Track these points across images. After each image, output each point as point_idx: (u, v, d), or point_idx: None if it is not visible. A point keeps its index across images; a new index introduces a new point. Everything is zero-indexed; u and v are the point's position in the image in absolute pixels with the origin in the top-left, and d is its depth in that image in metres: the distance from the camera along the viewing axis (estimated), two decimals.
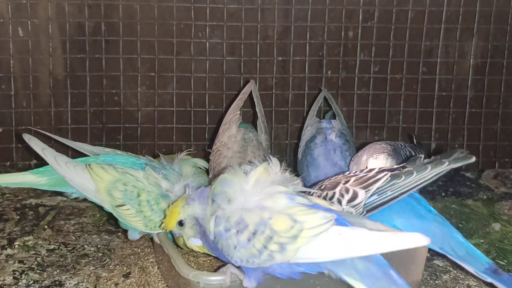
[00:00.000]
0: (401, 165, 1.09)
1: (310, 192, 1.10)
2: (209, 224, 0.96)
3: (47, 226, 1.51)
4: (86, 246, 1.42)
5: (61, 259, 1.36)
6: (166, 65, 1.84)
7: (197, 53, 1.84)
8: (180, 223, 1.03)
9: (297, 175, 1.60)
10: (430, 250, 1.16)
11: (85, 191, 1.21)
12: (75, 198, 1.32)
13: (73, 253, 1.39)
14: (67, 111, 1.84)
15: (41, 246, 1.41)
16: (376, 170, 1.09)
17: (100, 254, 1.38)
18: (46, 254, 1.37)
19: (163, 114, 1.87)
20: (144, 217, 1.18)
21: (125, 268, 1.31)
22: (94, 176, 1.19)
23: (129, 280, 1.26)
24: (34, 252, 1.38)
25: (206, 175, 1.29)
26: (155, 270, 1.30)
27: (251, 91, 1.65)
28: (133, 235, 1.25)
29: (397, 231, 0.89)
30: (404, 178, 1.03)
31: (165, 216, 1.06)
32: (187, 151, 1.33)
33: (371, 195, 1.05)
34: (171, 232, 1.07)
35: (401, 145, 1.37)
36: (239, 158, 1.51)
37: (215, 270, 1.05)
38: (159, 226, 1.18)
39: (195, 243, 1.03)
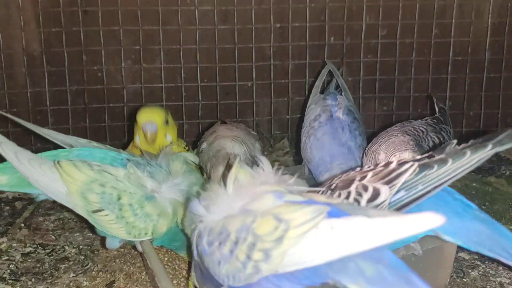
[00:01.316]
0: (428, 153, 0.86)
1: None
2: (193, 243, 0.76)
3: (24, 224, 1.30)
4: (66, 247, 1.21)
5: (38, 265, 1.15)
6: (152, 37, 1.58)
7: (186, 22, 1.58)
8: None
9: (300, 161, 1.39)
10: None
11: (54, 194, 0.97)
12: None
13: (52, 257, 1.18)
14: (45, 91, 1.60)
15: (16, 249, 1.20)
16: (396, 162, 0.86)
17: (82, 257, 1.18)
18: (21, 260, 1.17)
19: (151, 91, 1.63)
20: (127, 224, 0.95)
21: (109, 276, 1.10)
22: (65, 176, 0.95)
23: None
24: (7, 257, 1.17)
25: (197, 172, 1.06)
26: (142, 277, 1.09)
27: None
28: (112, 243, 1.02)
29: (404, 214, 0.67)
30: (437, 168, 0.80)
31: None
32: (172, 144, 1.10)
33: (397, 192, 0.81)
34: None
35: (422, 130, 1.13)
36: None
37: None
38: (145, 233, 0.96)
39: None
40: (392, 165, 0.85)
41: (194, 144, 1.45)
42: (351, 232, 0.67)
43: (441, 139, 1.12)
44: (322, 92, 1.42)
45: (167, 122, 1.21)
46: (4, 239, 1.23)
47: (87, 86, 1.61)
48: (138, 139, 1.21)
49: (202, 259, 0.76)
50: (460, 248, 1.11)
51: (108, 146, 1.05)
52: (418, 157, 0.87)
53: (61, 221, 1.32)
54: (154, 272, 0.84)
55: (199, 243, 0.76)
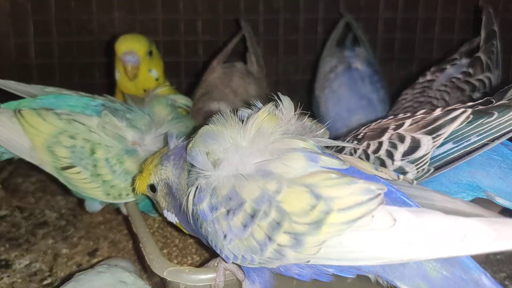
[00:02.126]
0: (485, 99, 0.71)
1: (339, 148, 0.73)
2: (186, 198, 0.61)
3: (1, 185, 1.17)
4: (47, 211, 1.08)
5: (13, 229, 1.02)
6: None
7: None
8: (152, 188, 0.69)
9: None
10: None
11: (16, 149, 0.83)
12: None
13: (29, 221, 1.05)
14: (30, 42, 1.45)
15: None
16: (442, 109, 0.71)
17: (63, 223, 1.05)
18: None
19: None
20: (104, 183, 0.81)
21: (91, 243, 0.97)
22: (28, 127, 0.81)
23: (95, 260, 0.93)
24: None
25: (188, 118, 0.92)
26: (130, 245, 0.97)
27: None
28: (92, 206, 0.89)
29: (494, 217, 0.53)
30: (498, 116, 0.65)
31: (139, 172, 0.72)
32: (162, 86, 0.96)
33: (443, 143, 0.67)
34: (147, 197, 0.73)
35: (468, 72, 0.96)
36: (221, 85, 1.15)
37: (203, 263, 0.71)
38: (126, 194, 0.82)
39: (170, 219, 0.69)
40: (437, 112, 0.71)
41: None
42: (424, 232, 0.51)
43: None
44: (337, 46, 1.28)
45: (151, 53, 1.07)
46: None
47: (75, 38, 1.46)
48: (117, 73, 1.07)
49: (198, 224, 0.61)
50: None
51: (80, 92, 0.91)
52: (471, 103, 0.71)
53: (43, 183, 1.19)
54: (138, 238, 0.71)
55: (197, 203, 0.59)
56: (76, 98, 0.87)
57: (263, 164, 0.57)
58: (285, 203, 0.54)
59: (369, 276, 0.57)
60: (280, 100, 0.64)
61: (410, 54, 1.54)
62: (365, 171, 0.59)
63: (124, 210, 0.85)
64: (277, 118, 0.62)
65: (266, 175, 0.56)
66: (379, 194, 0.53)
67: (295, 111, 0.64)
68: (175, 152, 0.67)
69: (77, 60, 1.48)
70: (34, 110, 0.82)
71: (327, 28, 1.50)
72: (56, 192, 1.15)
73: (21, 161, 1.24)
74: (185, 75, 1.52)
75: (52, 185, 1.18)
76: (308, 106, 1.38)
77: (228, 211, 0.57)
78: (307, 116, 0.65)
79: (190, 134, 0.70)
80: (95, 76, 1.50)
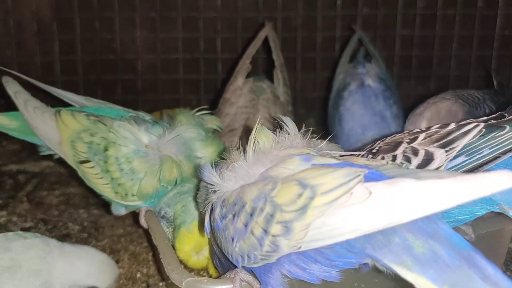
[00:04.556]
0: (498, 113, 0.72)
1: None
2: (203, 217, 0.64)
3: (26, 198, 1.21)
4: (70, 224, 1.12)
5: None
6: (169, 3, 1.48)
7: None
8: None
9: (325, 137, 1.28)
10: None
11: (49, 141, 0.93)
12: (63, 163, 1.00)
13: (53, 233, 1.08)
14: (56, 60, 1.51)
15: (15, 224, 1.11)
16: (456, 124, 0.73)
17: (85, 235, 1.08)
18: None
19: (167, 63, 1.53)
20: (112, 180, 0.86)
21: (112, 255, 0.99)
22: (60, 124, 0.91)
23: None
24: (4, 231, 1.08)
25: (217, 139, 0.94)
26: (149, 258, 0.99)
27: (267, 36, 1.31)
28: (116, 209, 0.93)
29: (464, 175, 0.53)
30: (509, 129, 0.67)
31: None
32: (200, 108, 0.98)
33: (456, 156, 0.68)
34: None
35: (477, 97, 0.99)
36: (246, 114, 1.18)
37: (221, 274, 0.73)
38: (132, 195, 0.86)
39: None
40: (451, 126, 0.72)
41: None
42: (394, 197, 0.53)
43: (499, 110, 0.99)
44: (350, 61, 1.31)
45: None
46: (4, 212, 1.14)
47: (99, 56, 1.51)
48: None
49: (215, 237, 0.64)
50: None
51: (121, 107, 1.00)
52: (485, 118, 0.73)
53: (66, 196, 1.22)
54: (158, 249, 0.73)
55: (212, 218, 0.64)
56: (117, 111, 0.97)
57: (265, 172, 0.62)
58: (277, 197, 0.58)
59: (367, 262, 0.58)
60: (285, 122, 0.67)
61: (427, 71, 1.55)
62: (358, 163, 0.62)
63: (143, 222, 0.88)
64: (270, 134, 0.66)
65: (266, 179, 0.61)
66: (359, 175, 0.56)
67: (298, 129, 0.69)
68: None
69: (100, 77, 1.53)
70: (70, 110, 0.93)
71: (344, 45, 1.52)
72: (79, 206, 1.18)
73: (45, 175, 1.30)
74: (205, 92, 1.56)
75: (75, 198, 1.21)
76: (324, 120, 1.40)
77: (233, 216, 0.61)
78: (310, 132, 0.69)
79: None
80: (117, 93, 1.54)
